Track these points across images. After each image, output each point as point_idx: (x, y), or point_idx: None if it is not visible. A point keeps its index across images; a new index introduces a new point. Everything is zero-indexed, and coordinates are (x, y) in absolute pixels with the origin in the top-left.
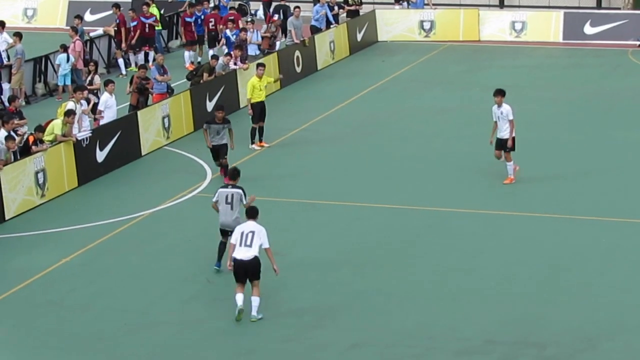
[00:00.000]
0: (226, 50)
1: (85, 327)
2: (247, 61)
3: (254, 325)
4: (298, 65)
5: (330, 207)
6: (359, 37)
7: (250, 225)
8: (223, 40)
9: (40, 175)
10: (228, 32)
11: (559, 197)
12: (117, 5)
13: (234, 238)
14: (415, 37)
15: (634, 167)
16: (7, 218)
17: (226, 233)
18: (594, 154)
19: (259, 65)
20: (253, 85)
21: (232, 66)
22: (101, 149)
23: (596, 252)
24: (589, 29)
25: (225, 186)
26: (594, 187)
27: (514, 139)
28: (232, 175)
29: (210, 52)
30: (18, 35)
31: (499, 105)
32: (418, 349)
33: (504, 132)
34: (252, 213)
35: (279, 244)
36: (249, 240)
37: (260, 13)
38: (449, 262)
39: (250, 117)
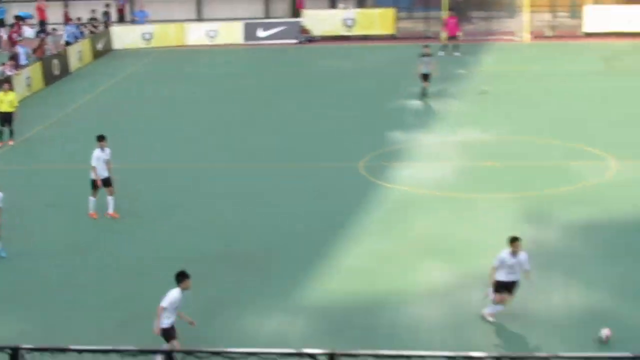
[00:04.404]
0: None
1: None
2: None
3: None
4: (56, 70)
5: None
6: (100, 46)
7: None
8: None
9: None
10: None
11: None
12: None
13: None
14: (139, 45)
15: None
16: None
17: None
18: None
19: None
20: None
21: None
22: None
23: None
24: (261, 33)
25: None
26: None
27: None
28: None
29: None
30: None
31: (103, 149)
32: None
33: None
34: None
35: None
36: None
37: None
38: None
39: None
